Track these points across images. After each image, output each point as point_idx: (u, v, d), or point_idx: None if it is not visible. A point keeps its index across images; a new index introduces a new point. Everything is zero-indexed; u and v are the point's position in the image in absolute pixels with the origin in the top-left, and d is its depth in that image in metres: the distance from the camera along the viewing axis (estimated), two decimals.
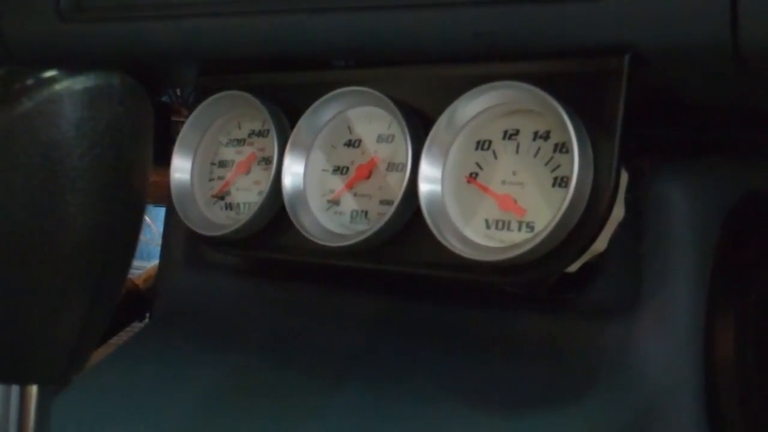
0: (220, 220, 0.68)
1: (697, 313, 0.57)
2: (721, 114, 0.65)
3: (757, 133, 0.67)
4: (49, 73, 0.37)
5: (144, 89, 0.39)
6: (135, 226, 0.41)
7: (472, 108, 0.57)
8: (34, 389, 0.41)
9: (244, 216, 0.65)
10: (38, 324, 0.39)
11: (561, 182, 0.54)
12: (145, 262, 1.23)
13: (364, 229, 0.60)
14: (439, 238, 0.56)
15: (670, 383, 0.56)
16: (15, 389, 0.41)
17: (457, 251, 0.55)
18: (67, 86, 0.36)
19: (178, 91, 0.97)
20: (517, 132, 0.57)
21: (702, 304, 0.57)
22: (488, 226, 0.57)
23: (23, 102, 0.36)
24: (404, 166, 0.59)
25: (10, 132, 0.36)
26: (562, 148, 0.55)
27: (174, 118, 0.90)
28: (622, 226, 0.58)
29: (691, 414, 0.56)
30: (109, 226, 0.39)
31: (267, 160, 0.67)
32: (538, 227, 0.55)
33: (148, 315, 0.91)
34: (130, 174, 0.39)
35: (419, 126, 0.59)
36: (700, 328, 0.57)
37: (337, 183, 0.63)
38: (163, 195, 0.71)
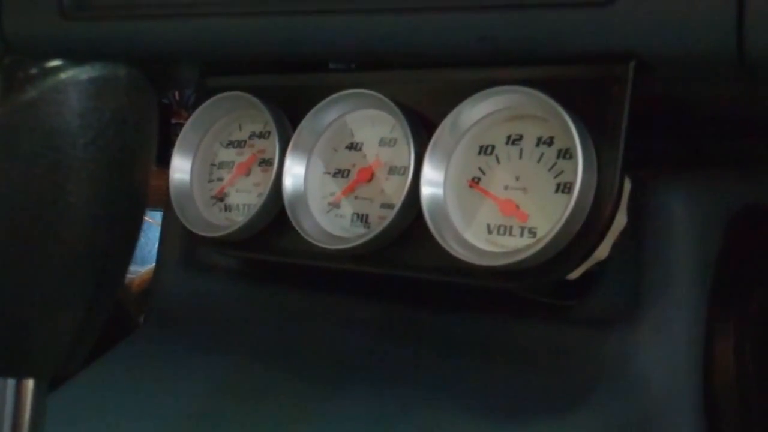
0: (218, 222, 0.68)
1: (697, 323, 0.57)
2: (723, 125, 0.65)
3: (759, 144, 0.67)
4: (54, 63, 0.36)
5: (149, 82, 0.39)
6: (136, 220, 0.40)
7: (476, 112, 0.57)
8: (30, 383, 0.40)
9: (243, 217, 0.65)
10: (37, 317, 0.39)
11: (564, 188, 0.54)
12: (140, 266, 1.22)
13: (365, 233, 0.59)
14: (441, 242, 0.56)
15: (669, 392, 0.56)
16: (11, 383, 0.40)
17: (458, 255, 0.55)
18: (72, 76, 0.36)
19: (177, 94, 0.96)
20: (521, 137, 0.56)
21: (702, 314, 0.57)
22: (490, 231, 0.56)
23: (27, 90, 0.35)
24: (406, 169, 0.58)
25: (13, 120, 0.35)
26: (566, 154, 0.54)
27: (174, 121, 0.90)
28: (624, 234, 0.58)
29: (690, 422, 0.56)
30: (110, 219, 0.38)
31: (267, 162, 0.67)
32: (540, 233, 0.54)
33: (143, 317, 0.90)
34: (134, 166, 0.38)
35: (422, 130, 0.59)
36: (700, 337, 0.57)
37: (338, 186, 0.63)
38: (161, 198, 0.71)
